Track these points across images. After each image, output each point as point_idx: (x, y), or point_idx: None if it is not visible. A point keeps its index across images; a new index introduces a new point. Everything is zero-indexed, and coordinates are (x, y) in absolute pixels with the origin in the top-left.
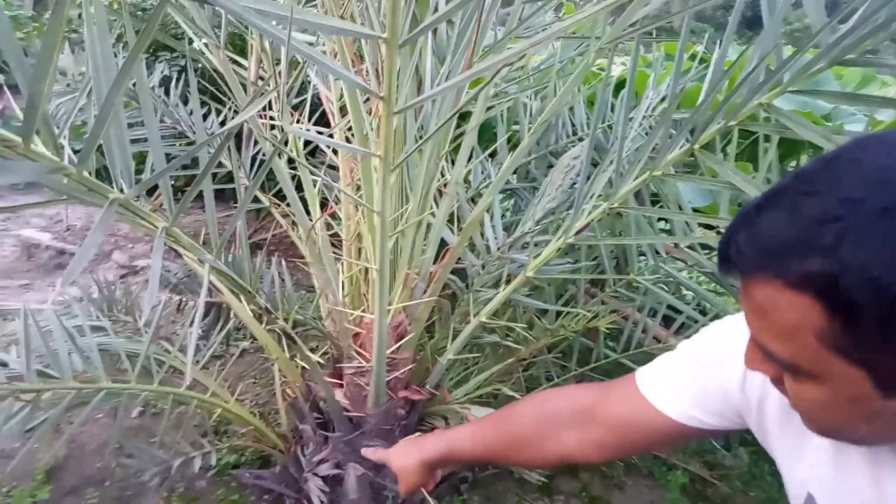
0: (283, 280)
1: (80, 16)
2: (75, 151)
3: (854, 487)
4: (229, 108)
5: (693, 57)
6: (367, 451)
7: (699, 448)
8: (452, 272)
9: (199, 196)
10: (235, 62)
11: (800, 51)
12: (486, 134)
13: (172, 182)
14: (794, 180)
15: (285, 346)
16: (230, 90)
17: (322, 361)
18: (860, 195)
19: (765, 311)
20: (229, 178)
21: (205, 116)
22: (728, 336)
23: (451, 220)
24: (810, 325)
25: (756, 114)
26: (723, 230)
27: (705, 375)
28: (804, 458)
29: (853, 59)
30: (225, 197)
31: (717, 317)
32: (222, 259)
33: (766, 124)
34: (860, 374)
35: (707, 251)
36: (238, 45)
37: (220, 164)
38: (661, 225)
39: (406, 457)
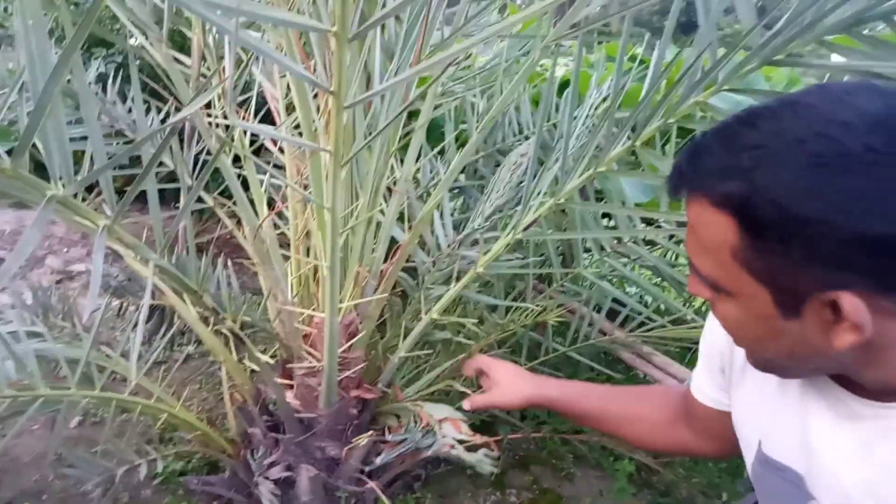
0: (229, 281)
1: (6, 9)
2: (7, 152)
3: (787, 427)
4: (171, 106)
5: (633, 58)
6: (466, 403)
7: None
8: (403, 270)
9: (137, 199)
10: (176, 59)
11: (732, 51)
12: (434, 132)
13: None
14: (743, 114)
15: (233, 349)
16: (173, 86)
17: (271, 362)
18: (787, 129)
19: (693, 227)
20: (170, 177)
21: (146, 112)
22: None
23: (401, 218)
24: (727, 242)
25: (693, 112)
26: (662, 225)
27: (713, 358)
28: (756, 407)
29: (781, 60)
30: (166, 198)
31: (658, 309)
32: (167, 259)
33: (703, 122)
34: (765, 293)
35: (649, 246)
36: (178, 41)
37: (162, 164)
38: (606, 222)
39: (514, 378)
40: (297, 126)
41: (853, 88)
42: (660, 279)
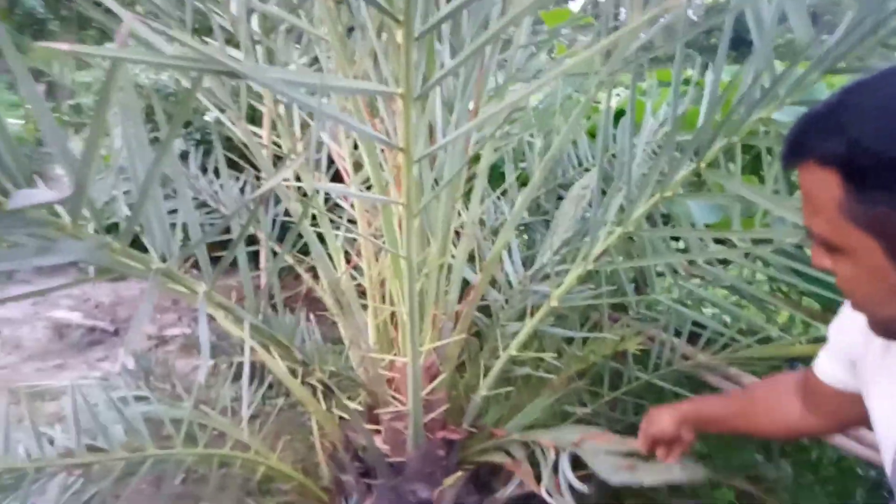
0: (312, 333)
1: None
2: (106, 230)
3: None
4: (250, 175)
5: (687, 81)
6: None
7: (741, 463)
8: (477, 310)
9: (217, 262)
10: (250, 131)
11: (792, 65)
12: (494, 174)
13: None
14: (841, 88)
15: (321, 399)
16: (252, 156)
17: (359, 409)
18: (878, 88)
19: (807, 194)
20: (250, 240)
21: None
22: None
23: (471, 260)
24: (833, 198)
25: (756, 128)
26: (736, 243)
27: (841, 347)
28: (894, 401)
29: (843, 68)
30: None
31: (741, 329)
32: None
33: (767, 137)
34: (875, 244)
35: (724, 265)
36: (248, 114)
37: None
38: (677, 245)
39: (661, 409)
40: (365, 181)
41: None
42: (737, 297)
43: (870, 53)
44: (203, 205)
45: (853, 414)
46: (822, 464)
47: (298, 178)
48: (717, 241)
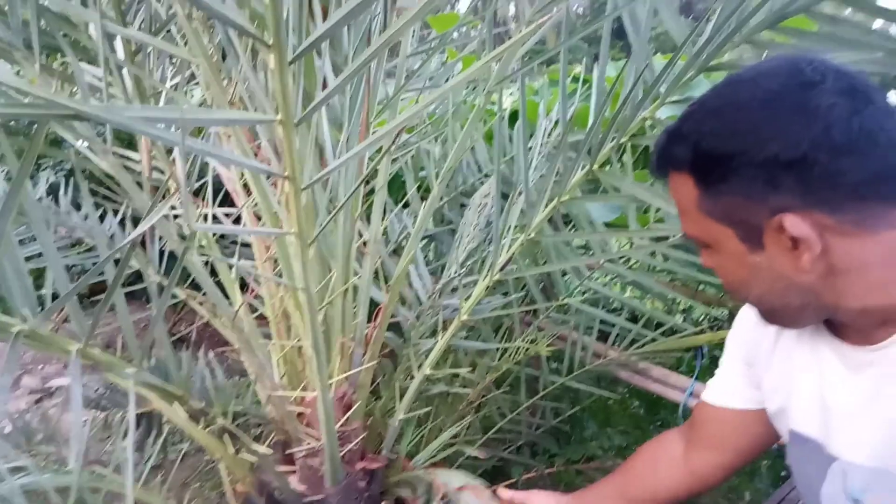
0: (213, 373)
1: None
2: None
3: (808, 395)
4: (127, 206)
5: (576, 79)
6: (504, 492)
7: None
8: (388, 330)
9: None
10: (126, 157)
11: (669, 64)
12: (395, 185)
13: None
14: (693, 102)
15: (228, 443)
16: (124, 190)
17: (269, 451)
18: (712, 94)
19: (676, 200)
20: (138, 276)
21: (102, 218)
22: (744, 313)
23: (377, 278)
24: (692, 198)
25: (643, 127)
26: (636, 240)
27: (739, 352)
28: (785, 384)
29: (718, 65)
30: (136, 295)
31: (648, 323)
32: (146, 366)
33: (654, 136)
34: (730, 233)
35: (624, 261)
36: (125, 138)
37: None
38: (581, 243)
39: (545, 496)
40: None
41: (766, 60)
42: (641, 291)
43: (743, 51)
44: (79, 242)
45: (750, 437)
46: None
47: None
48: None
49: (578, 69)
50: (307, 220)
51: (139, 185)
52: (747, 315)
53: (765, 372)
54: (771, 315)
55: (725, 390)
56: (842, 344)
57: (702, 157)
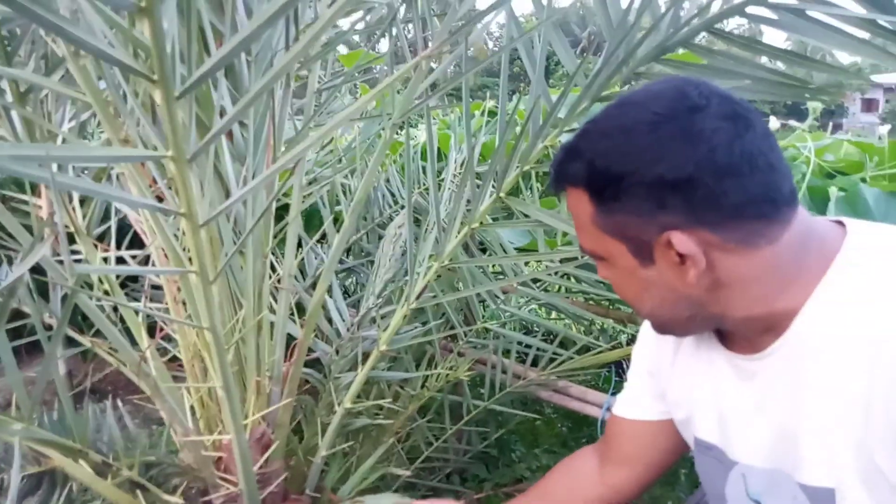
0: (122, 422)
1: None
2: None
3: (707, 403)
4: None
5: (492, 113)
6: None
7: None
8: (307, 365)
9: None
10: (22, 201)
11: (562, 94)
12: (314, 220)
13: None
14: (587, 120)
15: (139, 496)
16: (11, 236)
17: (180, 501)
18: (604, 115)
19: (572, 214)
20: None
21: None
22: (646, 326)
23: (295, 314)
24: (587, 213)
25: (545, 156)
26: (545, 262)
27: (643, 364)
28: (686, 394)
29: (608, 95)
30: (40, 347)
31: (563, 342)
32: (45, 419)
33: None
34: (622, 247)
35: (537, 283)
36: (22, 182)
37: (23, 314)
38: (497, 269)
39: None
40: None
41: (656, 82)
42: (555, 311)
43: (629, 82)
44: None
45: (661, 449)
46: None
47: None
48: (528, 263)
49: (493, 103)
50: (212, 255)
51: (27, 229)
52: (649, 329)
53: (667, 383)
54: (662, 326)
55: (633, 403)
56: (732, 354)
57: (596, 176)
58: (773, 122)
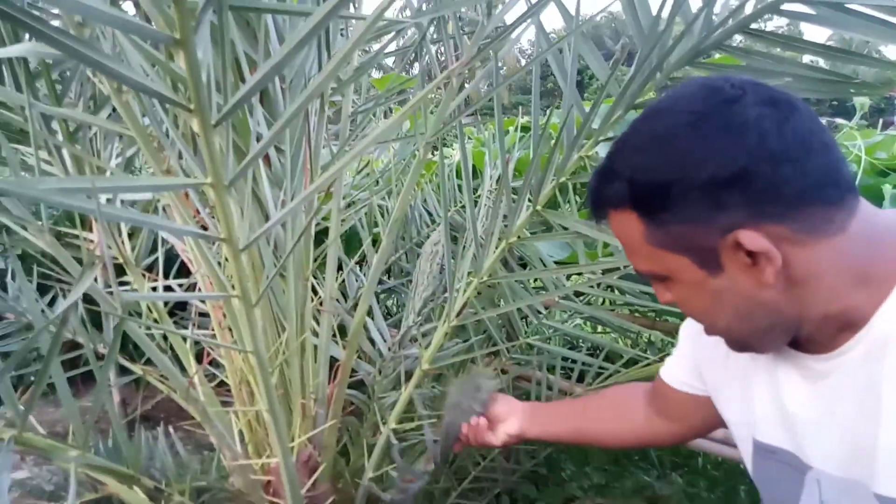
0: (174, 449)
1: None
2: None
3: (769, 408)
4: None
5: (525, 128)
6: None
7: (636, 486)
8: (351, 386)
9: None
10: (75, 236)
11: (595, 104)
12: (354, 242)
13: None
14: (615, 140)
15: None
16: (66, 270)
17: None
18: (634, 129)
19: (621, 239)
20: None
21: (52, 300)
22: None
23: (337, 336)
24: (639, 232)
25: (583, 165)
26: (588, 275)
27: (686, 345)
28: (741, 400)
29: (643, 103)
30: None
31: (609, 356)
32: (100, 447)
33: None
34: (686, 261)
35: (581, 297)
36: (72, 218)
37: (78, 345)
38: (539, 284)
39: (510, 424)
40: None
41: (679, 87)
42: (598, 324)
43: (664, 90)
44: (30, 326)
45: (703, 417)
46: (707, 469)
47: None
48: (570, 276)
49: (526, 119)
50: (254, 279)
51: (78, 261)
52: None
53: (716, 377)
54: (741, 342)
55: (674, 374)
56: (800, 355)
57: (640, 191)
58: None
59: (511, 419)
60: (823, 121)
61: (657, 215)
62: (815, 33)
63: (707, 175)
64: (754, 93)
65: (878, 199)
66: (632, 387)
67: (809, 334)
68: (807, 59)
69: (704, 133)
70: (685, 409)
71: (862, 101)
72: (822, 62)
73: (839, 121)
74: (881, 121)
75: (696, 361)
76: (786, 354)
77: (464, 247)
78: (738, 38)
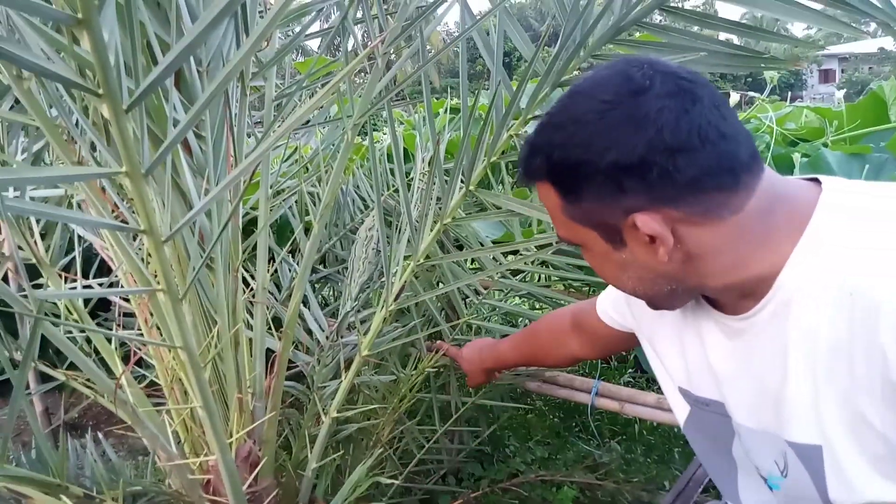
0: (105, 456)
1: None
2: None
3: (698, 362)
4: None
5: (455, 110)
6: (443, 345)
7: (578, 456)
8: (290, 378)
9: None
10: None
11: (522, 81)
12: (286, 232)
13: None
14: (544, 114)
15: None
16: None
17: None
18: (556, 109)
19: (546, 207)
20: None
21: None
22: None
23: (272, 328)
24: (557, 204)
25: (513, 145)
26: (523, 252)
27: (621, 301)
28: (673, 354)
29: (569, 80)
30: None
31: None
32: (23, 459)
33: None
34: (594, 234)
35: (518, 275)
36: None
37: None
38: (476, 265)
39: (472, 362)
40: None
41: (602, 67)
42: (535, 300)
43: (589, 68)
44: None
45: (622, 347)
46: (644, 435)
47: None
48: (506, 254)
49: (456, 101)
50: (179, 275)
51: None
52: None
53: (652, 332)
54: (650, 302)
55: (608, 313)
56: (719, 314)
57: (555, 168)
58: (734, 96)
59: (475, 359)
60: (737, 95)
61: (570, 191)
62: (729, 12)
63: (610, 161)
64: (662, 84)
65: (788, 166)
66: (561, 316)
67: (717, 299)
68: (723, 36)
69: (609, 122)
70: (609, 340)
71: (771, 76)
72: (736, 39)
73: (751, 94)
74: (790, 95)
75: (631, 309)
76: (708, 312)
77: (399, 230)
78: (658, 17)
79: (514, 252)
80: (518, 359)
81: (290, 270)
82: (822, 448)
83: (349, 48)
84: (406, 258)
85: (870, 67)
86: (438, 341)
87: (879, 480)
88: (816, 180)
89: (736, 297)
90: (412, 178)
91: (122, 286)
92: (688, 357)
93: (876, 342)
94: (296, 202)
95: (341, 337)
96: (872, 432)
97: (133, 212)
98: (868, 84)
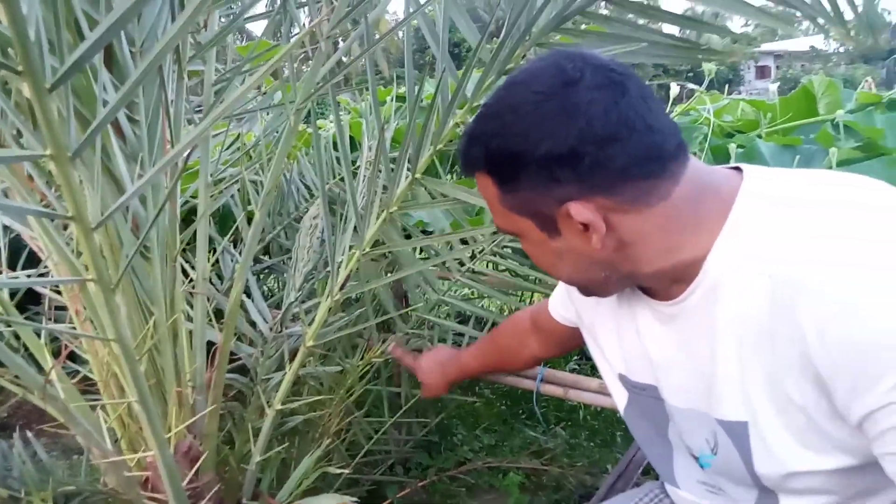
0: (36, 456)
1: None
2: None
3: (634, 347)
4: None
5: (401, 98)
6: (396, 350)
7: (524, 443)
8: (232, 371)
9: None
10: None
11: (467, 69)
12: (229, 221)
13: None
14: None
15: None
16: None
17: None
18: (492, 99)
19: (484, 197)
20: None
21: None
22: None
23: (213, 319)
24: (494, 194)
25: (459, 133)
26: (471, 243)
27: (564, 284)
28: (612, 342)
29: (514, 69)
30: None
31: (497, 323)
32: None
33: None
34: (530, 223)
35: (464, 267)
36: None
37: None
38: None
39: (431, 374)
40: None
41: (537, 59)
42: (477, 292)
43: (532, 54)
44: None
45: (576, 341)
46: (587, 420)
47: None
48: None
49: (403, 89)
50: (115, 261)
51: None
52: None
53: (592, 321)
54: (584, 289)
55: (556, 309)
56: (652, 301)
57: (492, 158)
58: (674, 88)
59: (435, 371)
60: (677, 87)
61: (507, 181)
62: (672, 5)
63: (543, 151)
64: (592, 76)
65: (725, 156)
66: (521, 317)
67: (650, 285)
68: (667, 29)
69: (542, 113)
70: (563, 337)
71: (710, 67)
72: (677, 31)
73: (691, 86)
74: (727, 89)
75: (574, 303)
76: (641, 299)
77: (344, 219)
78: (603, 10)
79: (464, 242)
80: (482, 367)
81: (232, 260)
82: (748, 424)
83: (294, 32)
84: (352, 247)
85: (802, 65)
86: (392, 345)
87: (801, 451)
88: (738, 169)
89: (667, 283)
90: (358, 167)
91: (52, 276)
92: (624, 344)
93: (794, 320)
94: (238, 191)
95: (285, 328)
96: (794, 406)
97: (60, 198)
98: (800, 80)
